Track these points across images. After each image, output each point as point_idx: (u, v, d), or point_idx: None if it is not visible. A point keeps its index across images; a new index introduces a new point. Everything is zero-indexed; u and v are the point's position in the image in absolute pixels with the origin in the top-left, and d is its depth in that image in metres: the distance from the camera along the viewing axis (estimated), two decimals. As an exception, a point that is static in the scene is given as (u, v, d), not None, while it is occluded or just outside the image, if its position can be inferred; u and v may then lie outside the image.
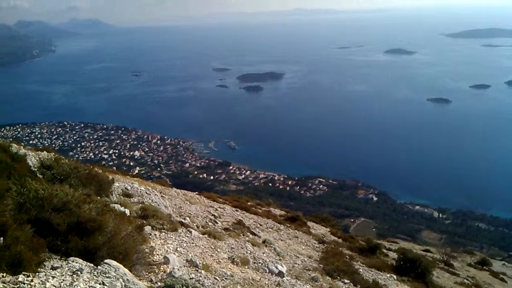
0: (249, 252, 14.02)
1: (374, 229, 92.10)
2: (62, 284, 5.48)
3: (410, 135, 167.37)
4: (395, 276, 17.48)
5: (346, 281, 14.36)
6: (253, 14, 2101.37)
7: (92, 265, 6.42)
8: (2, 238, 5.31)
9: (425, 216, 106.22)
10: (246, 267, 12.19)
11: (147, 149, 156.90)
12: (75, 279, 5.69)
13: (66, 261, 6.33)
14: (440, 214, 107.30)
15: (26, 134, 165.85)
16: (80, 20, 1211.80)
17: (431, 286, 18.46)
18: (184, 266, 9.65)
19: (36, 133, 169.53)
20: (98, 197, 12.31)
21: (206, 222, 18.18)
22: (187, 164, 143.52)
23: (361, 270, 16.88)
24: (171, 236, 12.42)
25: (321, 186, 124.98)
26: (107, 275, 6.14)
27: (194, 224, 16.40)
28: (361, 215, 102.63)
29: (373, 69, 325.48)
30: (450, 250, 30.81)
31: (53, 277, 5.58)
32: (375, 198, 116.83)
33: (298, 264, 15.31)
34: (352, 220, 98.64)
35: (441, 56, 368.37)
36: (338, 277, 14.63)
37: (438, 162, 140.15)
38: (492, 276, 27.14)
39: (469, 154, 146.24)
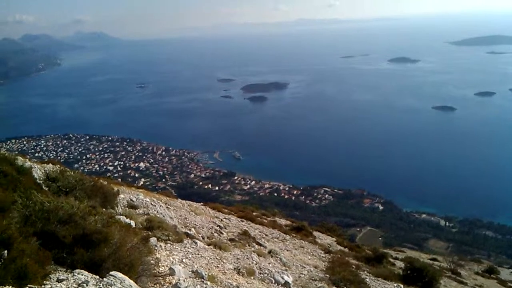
0: (255, 262, 13.99)
1: (380, 238, 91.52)
2: (68, 296, 5.49)
3: (415, 143, 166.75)
4: (402, 286, 17.34)
5: (352, 291, 14.28)
6: (257, 25, 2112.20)
7: (97, 277, 6.43)
8: (6, 252, 5.33)
9: (432, 224, 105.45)
10: (252, 277, 12.16)
11: (152, 161, 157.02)
12: (81, 291, 5.70)
13: (72, 273, 6.34)
14: (447, 223, 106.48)
15: (32, 147, 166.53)
16: (85, 33, 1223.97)
17: (438, 295, 18.31)
18: (190, 277, 9.64)
19: (42, 146, 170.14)
20: (104, 209, 12.33)
21: (212, 233, 18.16)
22: (192, 175, 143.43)
23: (367, 279, 16.78)
24: (177, 247, 12.41)
25: (326, 195, 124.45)
26: (112, 287, 6.14)
27: (200, 235, 16.39)
28: (367, 224, 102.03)
29: (377, 78, 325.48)
30: (457, 259, 30.61)
31: (59, 290, 5.59)
32: (381, 207, 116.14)
33: (304, 274, 15.24)
34: (358, 229, 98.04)
35: (445, 64, 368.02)
36: (345, 287, 14.55)
37: (444, 170, 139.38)
38: (500, 284, 26.89)
39: (475, 161, 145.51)
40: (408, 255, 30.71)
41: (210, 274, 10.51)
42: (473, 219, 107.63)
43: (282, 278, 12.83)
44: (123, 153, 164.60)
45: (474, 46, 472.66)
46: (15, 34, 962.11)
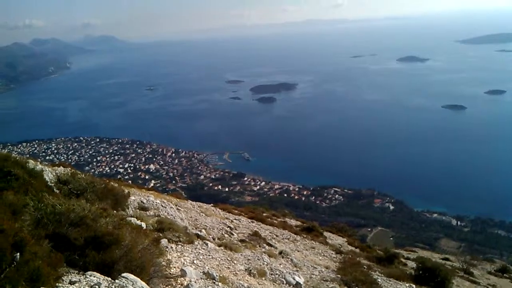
0: (265, 263, 13.96)
1: (391, 238, 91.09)
2: (80, 298, 5.51)
3: (425, 142, 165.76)
4: (414, 286, 17.22)
5: (364, 291, 14.20)
6: (265, 26, 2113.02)
7: (109, 279, 6.44)
8: (18, 254, 5.35)
9: (443, 224, 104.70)
10: (263, 278, 12.14)
11: (162, 162, 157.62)
12: (93, 293, 5.71)
13: (84, 276, 6.36)
14: (459, 222, 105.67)
15: (43, 150, 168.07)
16: (94, 37, 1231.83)
17: (451, 295, 18.16)
18: (201, 278, 9.64)
19: (53, 149, 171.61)
20: (115, 211, 12.37)
21: (222, 234, 18.16)
22: (202, 176, 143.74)
23: (379, 280, 16.68)
24: (188, 248, 12.42)
25: (336, 195, 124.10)
26: (124, 288, 6.16)
27: (210, 236, 16.39)
28: (378, 224, 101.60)
29: (386, 77, 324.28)
30: (470, 258, 30.39)
31: (71, 292, 5.62)
32: (391, 207, 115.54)
33: (316, 275, 15.19)
34: (369, 229, 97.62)
35: (454, 63, 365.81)
36: (357, 287, 14.48)
37: (455, 168, 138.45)
38: (514, 283, 26.59)
39: (486, 160, 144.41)
40: (420, 255, 30.45)
41: (221, 275, 10.51)
42: (485, 218, 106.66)
43: (293, 279, 12.80)
44: (133, 155, 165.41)
45: (484, 45, 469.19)
46: (25, 38, 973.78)
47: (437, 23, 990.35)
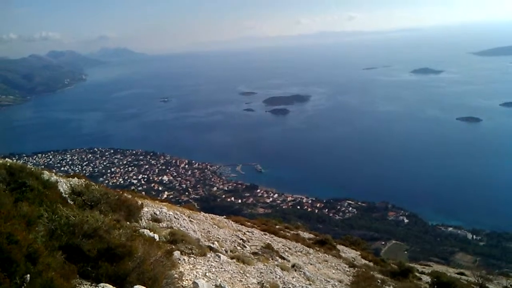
0: (278, 277, 13.87)
1: (406, 252, 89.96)
2: (92, 310, 5.51)
3: (440, 155, 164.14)
4: (429, 301, 16.98)
5: (378, 306, 14.02)
6: (278, 38, 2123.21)
7: (122, 291, 6.44)
8: (28, 276, 5.37)
9: (459, 238, 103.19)
10: (276, 292, 12.05)
11: (175, 174, 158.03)
12: (105, 305, 5.71)
13: (97, 287, 6.37)
14: (474, 236, 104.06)
15: (58, 161, 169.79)
16: (110, 49, 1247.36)
17: (467, 311, 17.85)
18: (213, 291, 9.59)
19: (67, 160, 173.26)
20: (128, 223, 12.41)
21: (235, 246, 18.11)
22: (215, 188, 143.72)
23: (393, 294, 16.47)
24: (200, 261, 12.40)
25: (350, 208, 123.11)
26: (136, 301, 6.15)
27: (223, 249, 16.35)
28: (392, 237, 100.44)
29: (400, 89, 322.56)
30: (485, 273, 29.84)
31: (84, 303, 5.62)
32: (406, 220, 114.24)
33: (329, 289, 15.05)
34: (383, 243, 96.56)
35: (469, 75, 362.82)
36: (370, 302, 14.30)
37: (471, 181, 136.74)
38: (531, 299, 26.09)
39: (502, 172, 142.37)
40: (435, 269, 30.08)
41: (233, 288, 10.45)
42: (500, 231, 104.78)
43: (306, 292, 12.69)
44: (146, 166, 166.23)
45: (497, 56, 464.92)
46: (41, 50, 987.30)
47: (450, 35, 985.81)
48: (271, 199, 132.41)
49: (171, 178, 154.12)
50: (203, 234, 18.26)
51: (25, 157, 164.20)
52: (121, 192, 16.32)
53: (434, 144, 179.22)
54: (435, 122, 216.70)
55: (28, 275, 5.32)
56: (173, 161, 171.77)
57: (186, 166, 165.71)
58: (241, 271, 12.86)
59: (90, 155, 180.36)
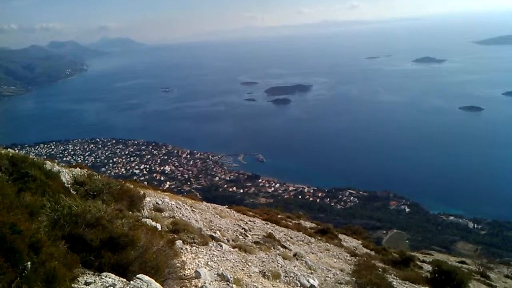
0: (280, 265, 13.93)
1: (407, 241, 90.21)
2: (95, 299, 5.55)
3: (442, 144, 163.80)
4: (430, 289, 17.05)
5: (379, 294, 14.08)
6: (280, 28, 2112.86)
7: (124, 280, 6.48)
8: (29, 263, 5.41)
9: (460, 226, 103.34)
10: (278, 281, 12.11)
11: (177, 164, 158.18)
12: (108, 294, 5.75)
13: (100, 277, 6.41)
14: (475, 225, 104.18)
15: (60, 151, 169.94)
16: (111, 39, 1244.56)
17: (468, 299, 17.92)
18: (215, 280, 9.65)
19: (69, 150, 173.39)
20: (130, 212, 12.46)
21: (237, 235, 18.18)
22: (217, 178, 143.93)
23: (394, 283, 16.53)
24: (202, 250, 12.46)
25: (351, 197, 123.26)
26: (139, 290, 6.19)
27: (225, 238, 16.42)
28: (394, 226, 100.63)
29: (402, 79, 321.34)
30: (486, 261, 29.92)
31: (87, 293, 5.66)
32: (407, 209, 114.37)
33: (330, 278, 15.11)
34: (384, 232, 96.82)
35: (471, 64, 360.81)
36: (372, 291, 14.36)
37: (472, 171, 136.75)
38: (532, 287, 26.16)
39: (504, 162, 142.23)
40: (436, 258, 30.16)
41: (235, 277, 10.51)
42: (502, 220, 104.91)
43: (308, 281, 12.75)
44: (148, 156, 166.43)
45: (500, 45, 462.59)
46: (42, 41, 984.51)
47: (452, 24, 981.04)
48: (272, 188, 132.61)
49: (173, 168, 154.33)
50: (205, 224, 18.32)
51: (27, 148, 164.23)
52: (123, 182, 16.36)
53: (436, 134, 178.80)
54: (437, 111, 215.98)
55: (29, 263, 5.36)
56: (175, 151, 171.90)
57: (188, 156, 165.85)
58: (243, 260, 12.92)
59: (92, 145, 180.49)
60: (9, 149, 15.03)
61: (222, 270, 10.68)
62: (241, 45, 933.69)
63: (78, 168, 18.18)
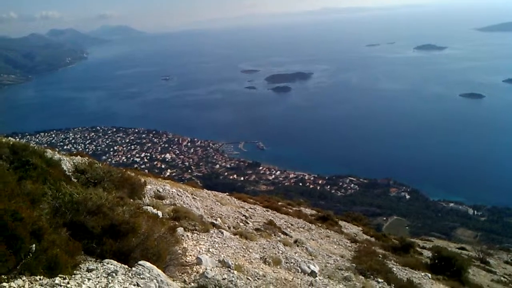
0: (281, 252, 14.01)
1: (407, 228, 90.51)
2: (97, 285, 5.59)
3: (442, 131, 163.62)
4: (429, 275, 17.16)
5: (379, 280, 14.17)
6: (280, 15, 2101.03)
7: (126, 266, 6.52)
8: (34, 246, 5.44)
9: (460, 213, 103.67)
10: (278, 267, 12.18)
11: (177, 152, 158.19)
12: (110, 281, 5.79)
13: (101, 263, 6.45)
14: (475, 211, 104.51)
15: (60, 140, 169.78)
16: (111, 27, 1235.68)
17: (467, 284, 18.04)
18: (217, 266, 9.72)
19: (70, 138, 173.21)
20: (131, 200, 12.50)
21: (238, 222, 18.26)
22: (217, 166, 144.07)
23: (394, 269, 16.65)
24: (203, 237, 12.52)
25: (352, 185, 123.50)
26: (141, 276, 6.24)
27: (226, 225, 16.49)
28: (394, 213, 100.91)
29: (403, 66, 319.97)
30: (486, 248, 30.14)
31: (89, 279, 5.70)
32: (407, 196, 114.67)
33: (331, 264, 15.21)
34: (385, 218, 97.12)
35: (472, 51, 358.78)
36: (372, 276, 14.46)
37: (472, 158, 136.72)
38: (531, 273, 26.33)
39: (503, 148, 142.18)
40: (436, 244, 30.31)
41: (236, 263, 10.58)
42: (502, 207, 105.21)
43: (309, 267, 12.83)
44: (149, 144, 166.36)
45: (501, 32, 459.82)
46: (42, 29, 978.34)
47: (453, 11, 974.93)
48: (273, 176, 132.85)
49: (174, 156, 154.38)
50: (206, 211, 18.39)
51: (28, 136, 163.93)
52: (124, 170, 16.39)
53: (437, 121, 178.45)
54: (437, 98, 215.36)
55: (34, 245, 5.40)
56: (176, 139, 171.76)
57: (189, 144, 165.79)
58: (244, 247, 12.99)
59: (92, 134, 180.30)
60: (9, 138, 15.06)
61: (223, 256, 10.75)
62: (242, 32, 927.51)
63: (79, 156, 18.21)
